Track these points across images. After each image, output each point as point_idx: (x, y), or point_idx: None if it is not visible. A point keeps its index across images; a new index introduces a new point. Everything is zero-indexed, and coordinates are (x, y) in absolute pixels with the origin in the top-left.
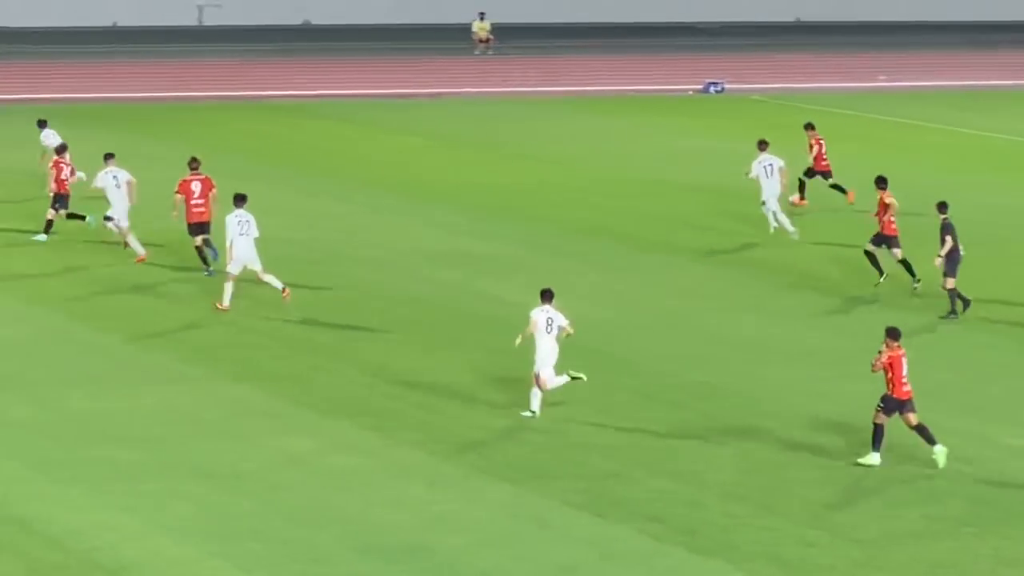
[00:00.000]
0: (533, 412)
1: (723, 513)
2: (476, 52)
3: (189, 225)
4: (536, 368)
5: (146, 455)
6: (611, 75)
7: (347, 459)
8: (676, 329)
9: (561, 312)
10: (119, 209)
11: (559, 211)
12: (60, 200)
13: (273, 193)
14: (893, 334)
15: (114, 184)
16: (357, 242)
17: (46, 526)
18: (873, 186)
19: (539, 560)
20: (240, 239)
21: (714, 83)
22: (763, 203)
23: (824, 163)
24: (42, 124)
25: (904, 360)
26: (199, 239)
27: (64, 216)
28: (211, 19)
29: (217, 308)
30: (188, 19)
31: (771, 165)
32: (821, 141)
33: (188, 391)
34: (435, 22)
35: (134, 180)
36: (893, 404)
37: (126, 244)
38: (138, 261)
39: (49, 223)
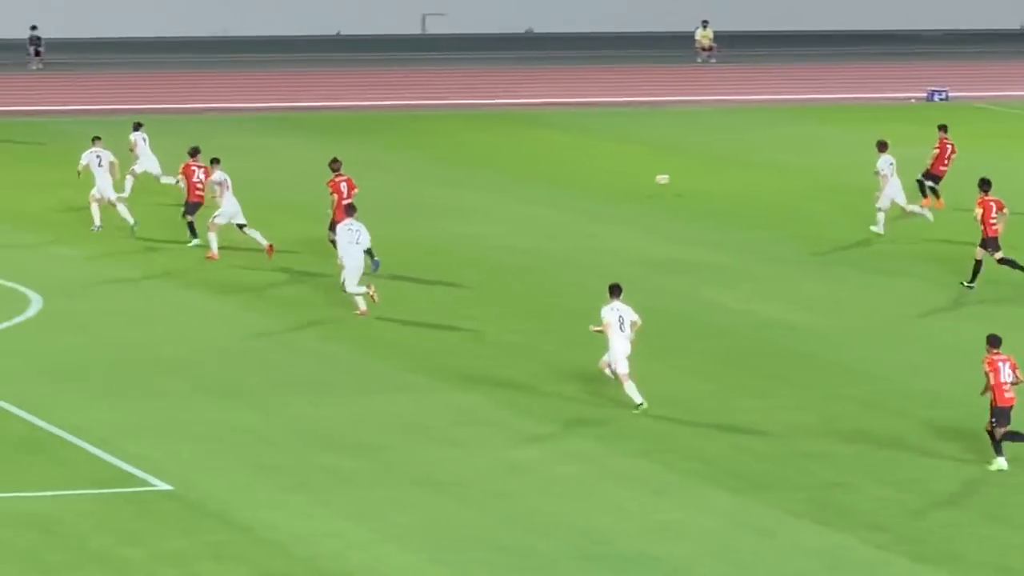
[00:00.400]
0: (642, 403)
1: (947, 522)
2: (698, 60)
3: (335, 222)
4: (610, 361)
5: (370, 463)
6: (833, 83)
7: (571, 467)
8: (898, 337)
9: (631, 308)
10: (230, 210)
11: (780, 219)
12: (190, 207)
13: (495, 202)
14: (992, 341)
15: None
16: (580, 250)
17: (271, 533)
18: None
19: (763, 569)
20: (352, 248)
21: (938, 91)
22: (877, 204)
23: (943, 168)
24: (137, 127)
25: (1004, 366)
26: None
27: (187, 220)
28: (434, 27)
29: (357, 315)
30: (412, 28)
31: (892, 164)
32: (948, 145)
33: (411, 399)
34: (658, 30)
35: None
36: (1000, 413)
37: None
38: (207, 257)
39: (191, 226)
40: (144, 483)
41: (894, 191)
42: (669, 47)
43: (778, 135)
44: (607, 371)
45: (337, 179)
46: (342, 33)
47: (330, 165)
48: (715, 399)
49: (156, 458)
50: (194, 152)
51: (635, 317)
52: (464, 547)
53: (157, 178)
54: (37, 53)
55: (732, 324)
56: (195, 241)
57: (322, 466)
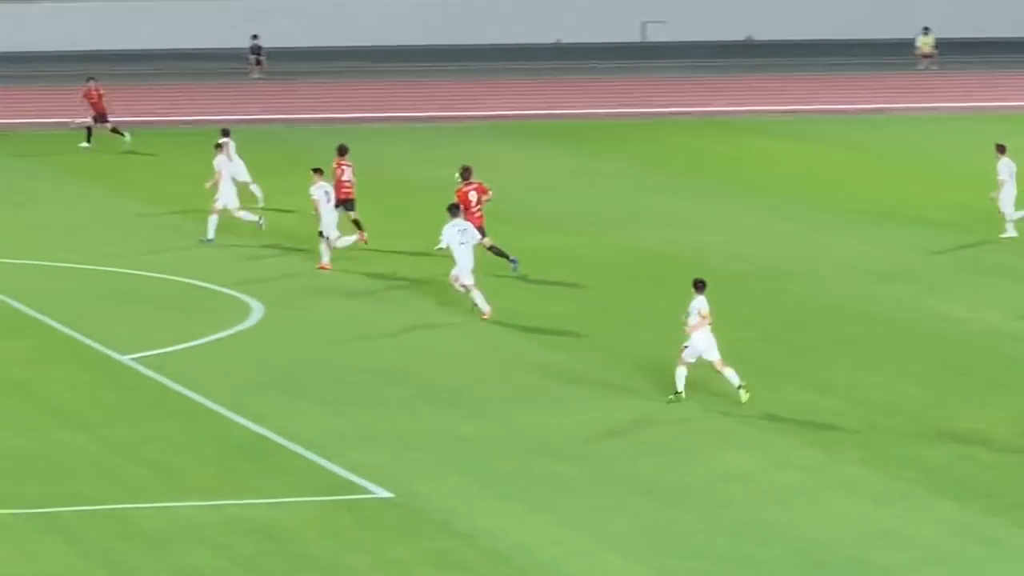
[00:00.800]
0: (679, 393)
1: None
2: (919, 67)
3: (481, 228)
4: (696, 355)
5: (589, 470)
6: None
7: (792, 475)
8: None
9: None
10: (328, 221)
11: (999, 227)
12: (343, 204)
13: (715, 210)
14: None
15: (325, 198)
16: (800, 258)
17: (492, 541)
18: None
19: None
20: (462, 248)
21: None
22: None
23: None
24: (225, 133)
25: None
26: (486, 241)
27: (351, 220)
28: (655, 35)
29: (483, 318)
30: (631, 35)
31: (1012, 168)
32: None
33: (632, 406)
34: (878, 37)
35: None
36: None
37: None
38: (320, 268)
39: (356, 223)
40: (365, 491)
41: (1011, 194)
42: (889, 54)
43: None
44: (723, 370)
45: (466, 188)
46: (562, 41)
47: (460, 174)
48: (937, 407)
49: (377, 466)
50: (342, 151)
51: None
52: (684, 555)
53: (246, 184)
54: (258, 62)
55: (954, 332)
56: (353, 239)
57: (543, 474)
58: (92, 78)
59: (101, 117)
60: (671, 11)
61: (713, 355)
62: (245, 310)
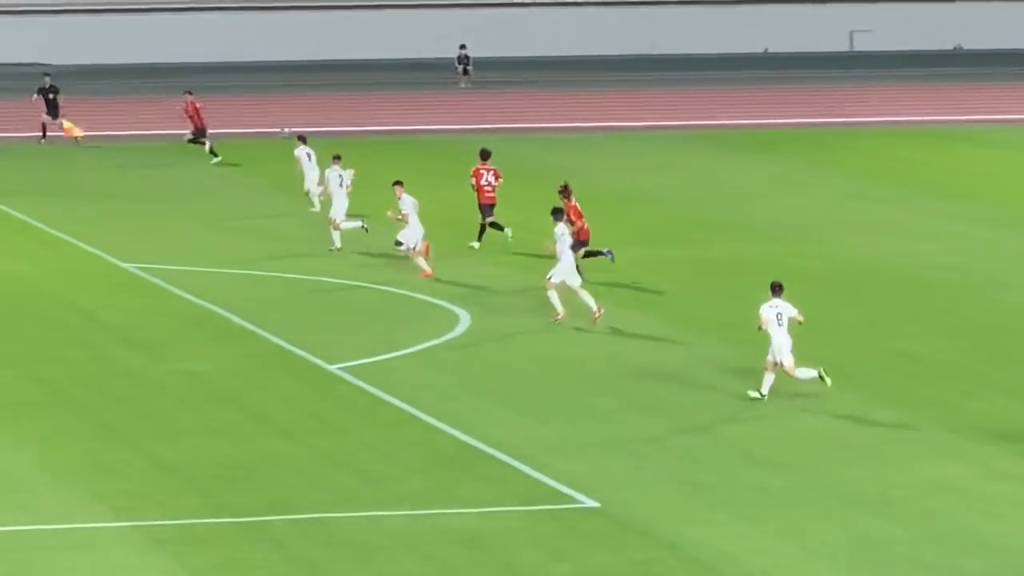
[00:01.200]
0: (762, 395)
1: None
2: None
3: (580, 242)
4: (774, 357)
5: (796, 480)
6: None
7: (999, 486)
8: None
9: (791, 303)
10: (414, 234)
11: None
12: (485, 209)
13: (922, 218)
14: None
15: (413, 210)
16: (1011, 267)
17: (698, 551)
18: None
19: None
20: (568, 251)
21: None
22: None
23: None
24: (302, 139)
25: None
26: (581, 252)
27: (489, 224)
28: (862, 44)
29: (554, 320)
30: (839, 45)
31: None
32: None
33: (838, 416)
34: None
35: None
36: None
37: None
38: (423, 277)
39: (482, 228)
40: (571, 500)
41: None
42: None
43: None
44: (794, 373)
45: (575, 202)
46: (769, 50)
47: (561, 191)
48: None
49: (583, 475)
50: (485, 155)
51: (794, 313)
52: (890, 566)
53: (307, 194)
54: (465, 72)
55: None
56: (508, 231)
57: (748, 483)
58: (189, 91)
59: (200, 131)
60: (879, 20)
61: (787, 359)
62: (452, 319)
